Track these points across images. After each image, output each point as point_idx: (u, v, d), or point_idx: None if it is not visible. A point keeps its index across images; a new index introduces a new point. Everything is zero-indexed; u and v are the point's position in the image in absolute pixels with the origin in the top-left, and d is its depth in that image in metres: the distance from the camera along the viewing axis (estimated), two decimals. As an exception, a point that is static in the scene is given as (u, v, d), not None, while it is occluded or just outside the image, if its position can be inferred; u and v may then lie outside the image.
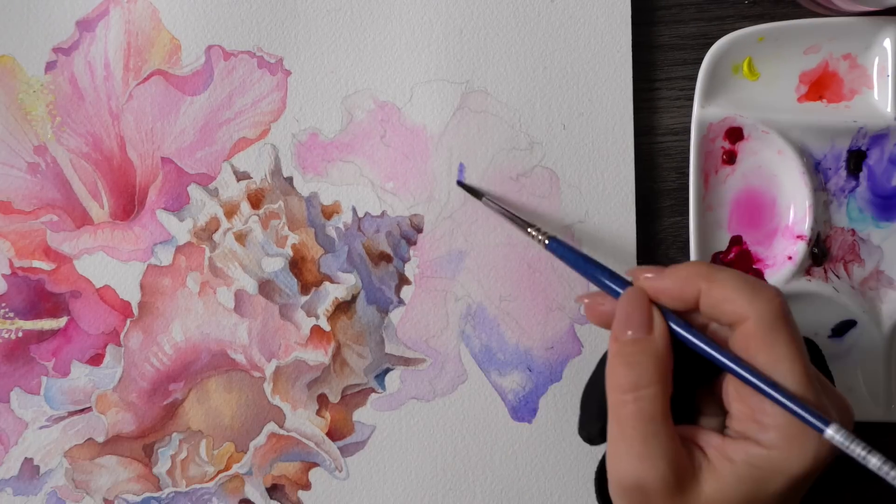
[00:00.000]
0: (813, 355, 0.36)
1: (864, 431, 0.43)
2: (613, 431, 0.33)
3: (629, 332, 0.33)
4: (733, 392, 0.33)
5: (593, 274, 0.36)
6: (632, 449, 0.32)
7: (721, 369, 0.32)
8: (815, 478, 0.32)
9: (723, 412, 0.34)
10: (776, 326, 0.31)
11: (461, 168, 0.42)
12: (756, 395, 0.31)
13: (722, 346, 0.32)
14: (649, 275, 0.34)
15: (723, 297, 0.32)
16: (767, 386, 0.31)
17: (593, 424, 0.36)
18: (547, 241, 0.38)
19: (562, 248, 0.38)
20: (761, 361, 0.31)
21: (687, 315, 0.34)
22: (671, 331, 0.33)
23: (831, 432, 0.30)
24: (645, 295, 0.33)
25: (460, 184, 0.42)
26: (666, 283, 0.33)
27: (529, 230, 0.39)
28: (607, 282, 0.35)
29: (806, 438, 0.31)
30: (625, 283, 0.35)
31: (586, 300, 0.36)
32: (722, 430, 0.33)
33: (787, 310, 0.32)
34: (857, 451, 0.30)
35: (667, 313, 0.33)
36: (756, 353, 0.31)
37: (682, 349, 0.33)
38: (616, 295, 0.34)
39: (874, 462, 0.29)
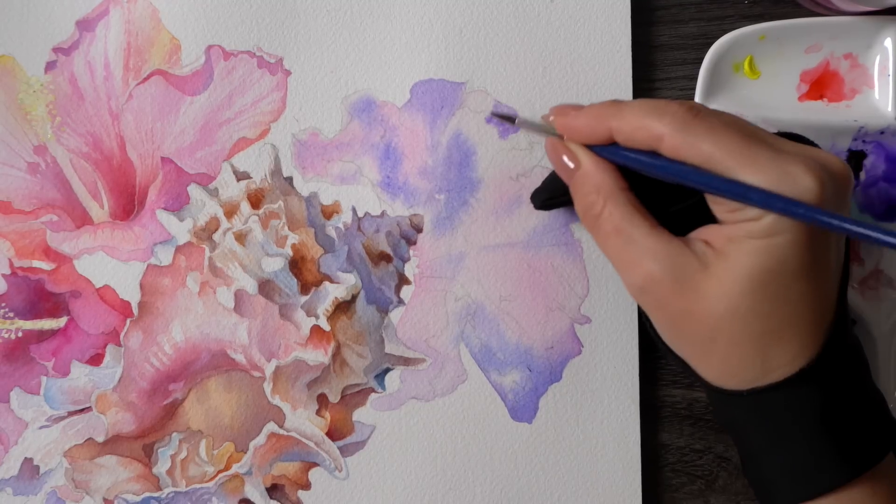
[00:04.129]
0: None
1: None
2: (604, 251, 0.35)
3: (571, 166, 0.36)
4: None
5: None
6: (620, 260, 0.35)
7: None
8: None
9: None
10: (690, 126, 0.32)
11: (495, 104, 0.43)
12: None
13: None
14: (571, 112, 0.36)
15: (633, 127, 0.33)
16: (715, 181, 0.32)
17: (536, 197, 0.42)
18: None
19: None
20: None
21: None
22: (632, 160, 0.34)
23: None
24: (559, 142, 0.36)
25: (494, 114, 0.42)
26: (580, 121, 0.35)
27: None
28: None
29: (788, 187, 0.31)
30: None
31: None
32: None
33: (698, 109, 0.32)
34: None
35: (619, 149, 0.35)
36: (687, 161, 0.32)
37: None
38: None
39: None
